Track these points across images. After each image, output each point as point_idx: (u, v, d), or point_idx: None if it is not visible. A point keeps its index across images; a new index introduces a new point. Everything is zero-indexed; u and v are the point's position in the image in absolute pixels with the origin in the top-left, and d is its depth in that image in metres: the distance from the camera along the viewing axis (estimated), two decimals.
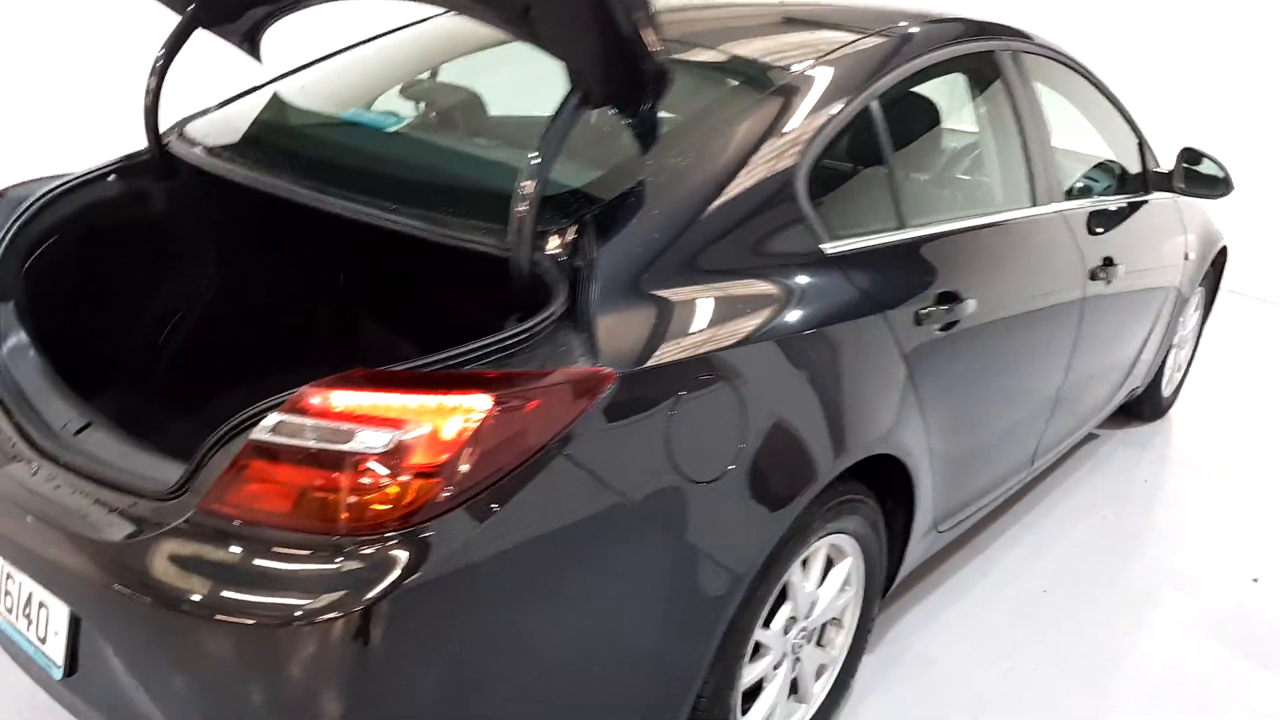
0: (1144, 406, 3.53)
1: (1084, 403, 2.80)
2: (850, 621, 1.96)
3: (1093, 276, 2.49)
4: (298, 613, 1.14)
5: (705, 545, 1.46)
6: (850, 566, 1.87)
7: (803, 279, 1.62)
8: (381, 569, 1.15)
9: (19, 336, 1.62)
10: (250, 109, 1.99)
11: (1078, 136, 2.84)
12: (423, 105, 2.16)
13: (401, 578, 1.14)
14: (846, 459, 1.66)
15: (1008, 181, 2.37)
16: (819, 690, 1.93)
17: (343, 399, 1.19)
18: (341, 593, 1.14)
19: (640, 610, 1.42)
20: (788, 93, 1.74)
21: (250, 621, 1.16)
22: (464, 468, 1.17)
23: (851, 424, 1.69)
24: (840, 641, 1.95)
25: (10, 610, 1.45)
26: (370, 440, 1.16)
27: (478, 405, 1.19)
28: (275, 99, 2.03)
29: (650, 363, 1.36)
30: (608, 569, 1.35)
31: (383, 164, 1.83)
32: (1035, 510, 2.95)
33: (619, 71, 1.39)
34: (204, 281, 2.07)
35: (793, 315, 1.57)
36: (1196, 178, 2.98)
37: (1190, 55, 5.53)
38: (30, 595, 1.41)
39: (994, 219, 2.23)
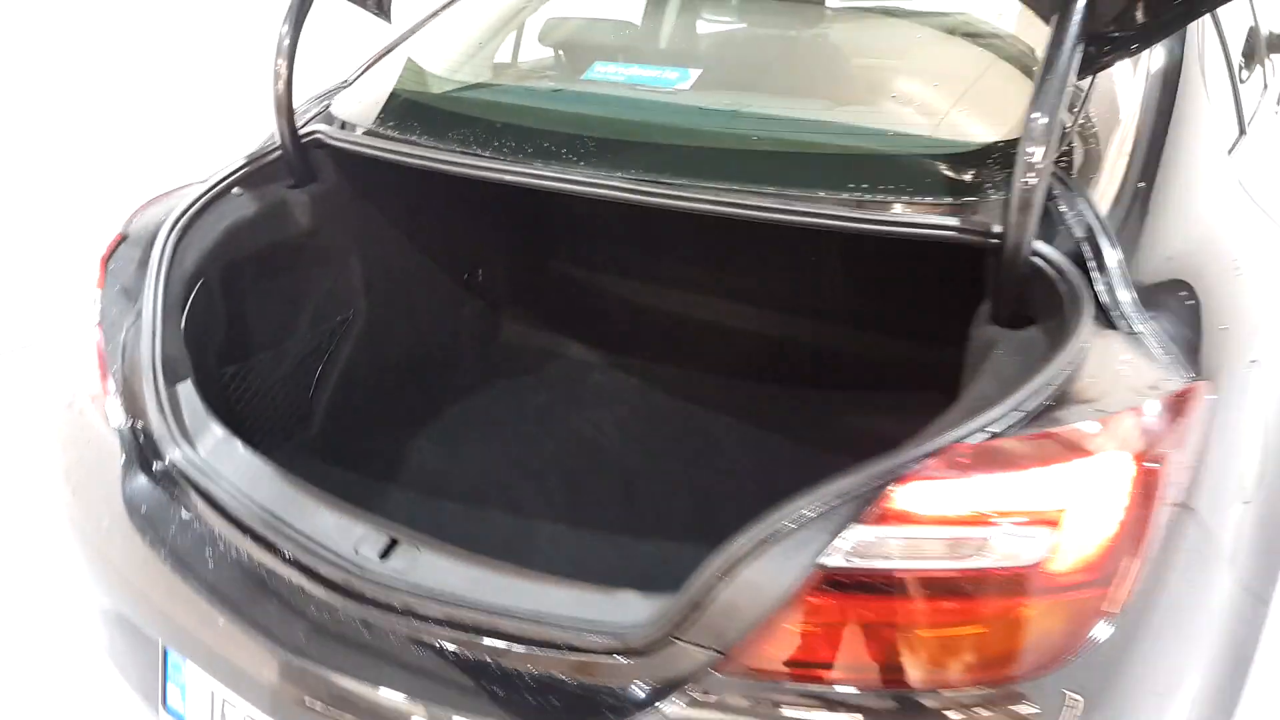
0: None
1: None
2: None
3: None
4: None
5: None
6: None
7: None
8: None
9: (231, 443, 1.25)
10: (424, 75, 1.70)
11: None
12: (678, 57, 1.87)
13: None
14: None
15: None
16: None
17: (953, 492, 0.87)
18: None
19: None
20: None
21: None
22: (1125, 563, 0.88)
23: None
24: None
25: None
26: (1015, 549, 0.85)
27: (1122, 469, 0.88)
28: (462, 64, 1.76)
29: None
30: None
31: (690, 136, 1.42)
32: None
33: None
34: (346, 293, 1.76)
35: None
36: None
37: None
38: None
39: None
